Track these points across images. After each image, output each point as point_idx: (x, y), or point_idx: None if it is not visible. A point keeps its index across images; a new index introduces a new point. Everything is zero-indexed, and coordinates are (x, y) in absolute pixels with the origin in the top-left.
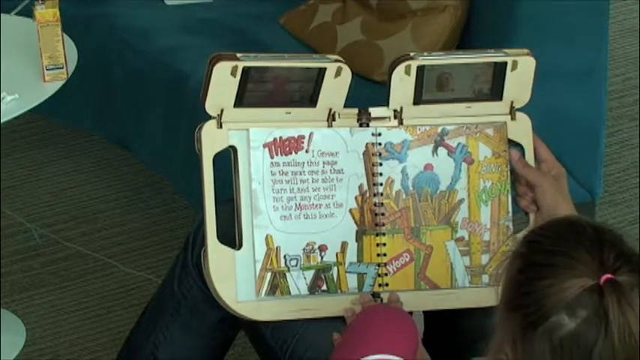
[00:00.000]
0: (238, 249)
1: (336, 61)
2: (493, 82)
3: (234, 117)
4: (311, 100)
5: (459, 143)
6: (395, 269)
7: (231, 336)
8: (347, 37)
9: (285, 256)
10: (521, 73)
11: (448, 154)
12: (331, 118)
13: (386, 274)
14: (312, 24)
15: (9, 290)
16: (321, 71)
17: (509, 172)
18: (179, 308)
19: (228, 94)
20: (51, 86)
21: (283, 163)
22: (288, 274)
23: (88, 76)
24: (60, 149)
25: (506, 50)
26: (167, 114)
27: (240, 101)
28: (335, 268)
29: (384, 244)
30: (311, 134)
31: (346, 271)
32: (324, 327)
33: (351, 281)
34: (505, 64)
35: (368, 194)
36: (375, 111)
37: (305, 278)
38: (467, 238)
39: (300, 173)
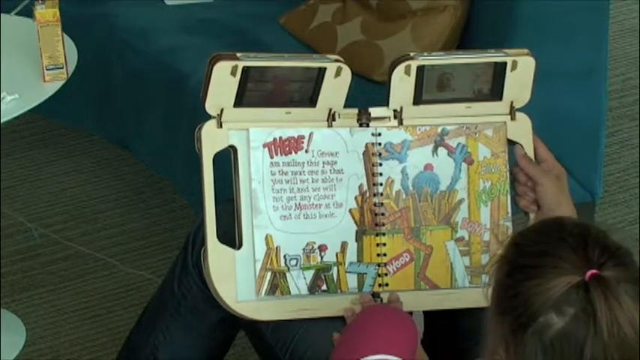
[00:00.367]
0: (238, 249)
1: (336, 61)
2: (493, 82)
3: (234, 117)
4: (311, 100)
5: (458, 143)
6: (395, 269)
7: (232, 336)
8: (347, 37)
9: (285, 256)
10: (521, 73)
11: (448, 154)
12: (331, 118)
13: (386, 274)
14: (312, 24)
15: (9, 290)
16: (321, 71)
17: (508, 173)
18: (179, 308)
19: (228, 94)
20: (51, 86)
21: (283, 163)
22: (288, 274)
23: (88, 76)
24: (60, 149)
25: (506, 50)
26: (167, 114)
27: (240, 101)
28: (335, 268)
29: (384, 244)
30: (311, 134)
31: (346, 271)
32: (324, 327)
33: (351, 281)
34: (505, 64)
35: (368, 194)
36: (375, 111)
37: (305, 278)
38: (467, 238)
39: (300, 173)
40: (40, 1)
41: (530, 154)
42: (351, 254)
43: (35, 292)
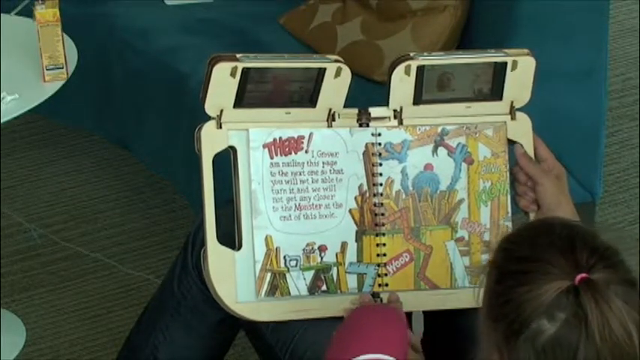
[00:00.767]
0: (238, 249)
1: (336, 61)
2: (493, 82)
3: (234, 117)
4: (311, 101)
5: (458, 143)
6: (395, 269)
7: (232, 336)
8: (347, 37)
9: (284, 257)
10: (522, 73)
11: (448, 154)
12: (331, 118)
13: (386, 274)
14: (312, 24)
15: (9, 290)
16: (321, 71)
17: (508, 173)
18: (179, 308)
19: (227, 95)
20: (51, 86)
21: (283, 163)
22: (287, 275)
23: (88, 76)
24: (60, 149)
25: (506, 50)
26: (167, 114)
27: (239, 102)
28: (335, 269)
29: (384, 244)
30: (311, 134)
31: (346, 272)
32: (324, 327)
33: (351, 281)
34: (505, 64)
35: (368, 194)
36: (374, 111)
37: (305, 279)
38: (467, 238)
39: (300, 174)
40: (40, 1)
41: (531, 153)
42: (351, 254)
43: (35, 292)
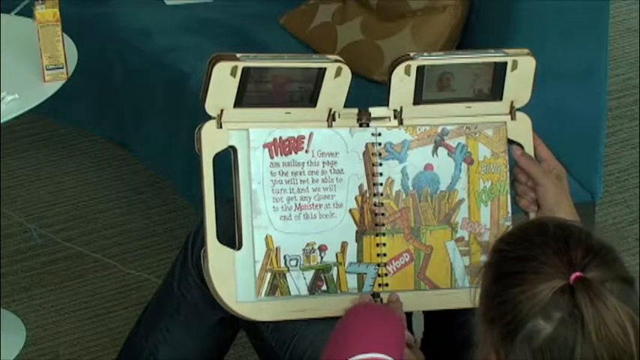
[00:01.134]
0: (238, 249)
1: (336, 61)
2: (493, 82)
3: (234, 117)
4: (311, 100)
5: (458, 143)
6: (395, 269)
7: (231, 336)
8: (347, 37)
9: (284, 257)
10: (522, 73)
11: (448, 154)
12: (331, 118)
13: (386, 274)
14: (312, 24)
15: (9, 290)
16: (321, 71)
17: (508, 173)
18: (179, 308)
19: (227, 95)
20: (51, 86)
21: (283, 163)
22: (287, 275)
23: (88, 76)
24: (60, 149)
25: (506, 50)
26: (167, 114)
27: (240, 101)
28: (335, 269)
29: (384, 244)
30: (311, 134)
31: (346, 271)
32: (324, 327)
33: (351, 281)
34: (505, 64)
35: (368, 194)
36: (375, 111)
37: (305, 278)
38: (467, 238)
39: (300, 173)
40: (40, 1)
41: (531, 153)
42: (351, 254)
43: (35, 292)
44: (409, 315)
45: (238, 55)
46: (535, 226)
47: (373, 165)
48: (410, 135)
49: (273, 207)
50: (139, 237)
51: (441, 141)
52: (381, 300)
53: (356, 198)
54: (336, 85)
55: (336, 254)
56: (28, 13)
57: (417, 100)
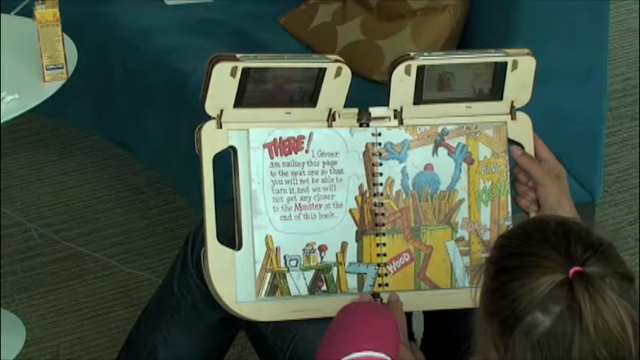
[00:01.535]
0: (238, 249)
1: (336, 61)
2: (493, 82)
3: (234, 117)
4: (311, 100)
5: (459, 143)
6: (395, 269)
7: (231, 336)
8: (347, 37)
9: (284, 257)
10: (522, 72)
11: (448, 154)
12: (331, 118)
13: (386, 274)
14: (312, 24)
15: (9, 290)
16: (321, 71)
17: (508, 173)
18: (179, 308)
19: (227, 95)
20: (51, 86)
21: (283, 163)
22: (287, 275)
23: (88, 76)
24: (60, 149)
25: (506, 50)
26: (167, 114)
27: (239, 101)
28: (335, 269)
29: (384, 244)
30: (311, 134)
31: (346, 272)
32: (324, 327)
33: (351, 281)
34: (505, 64)
35: (368, 194)
36: (375, 111)
37: (305, 279)
38: (467, 238)
39: (300, 173)
40: (40, 1)
41: (531, 153)
42: (351, 254)
43: (35, 292)
44: (409, 315)
45: (238, 55)
46: (535, 223)
47: (373, 165)
48: (410, 135)
49: (273, 207)
50: (139, 237)
51: (441, 141)
52: (381, 300)
53: (356, 198)
54: (336, 85)
55: (336, 254)
56: (28, 13)
57: (417, 100)
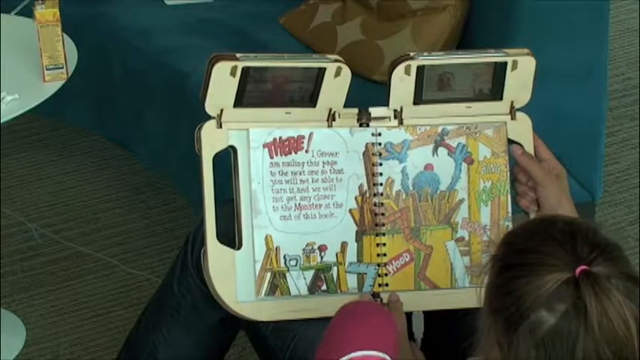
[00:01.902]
0: (238, 249)
1: (336, 61)
2: (493, 82)
3: (234, 117)
4: (311, 100)
5: (459, 143)
6: (395, 269)
7: (231, 336)
8: (347, 37)
9: (284, 256)
10: (522, 72)
11: (448, 154)
12: (331, 118)
13: (386, 274)
14: (312, 24)
15: (9, 290)
16: (321, 71)
17: (508, 173)
18: (179, 308)
19: (227, 94)
20: (51, 86)
21: (283, 163)
22: (287, 274)
23: (88, 76)
24: (60, 149)
25: (506, 50)
26: (167, 114)
27: (239, 101)
28: (335, 268)
29: (384, 244)
30: (311, 134)
31: (346, 271)
32: (324, 327)
33: (351, 281)
34: (505, 64)
35: (368, 194)
36: (375, 111)
37: (305, 278)
38: (467, 238)
39: (300, 173)
40: (40, 1)
41: (531, 153)
42: (351, 254)
43: (35, 292)
44: (409, 315)
45: (238, 55)
46: (542, 221)
47: (373, 165)
48: (410, 135)
49: (273, 207)
50: (139, 237)
51: (441, 141)
52: (381, 300)
53: (356, 198)
54: (336, 85)
55: (336, 254)
56: (28, 13)
57: (417, 100)
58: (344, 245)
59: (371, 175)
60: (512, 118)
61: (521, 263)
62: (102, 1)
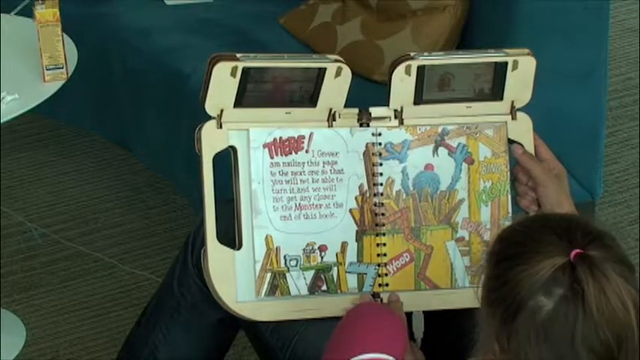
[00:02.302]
0: (238, 249)
1: (336, 61)
2: (494, 81)
3: (234, 117)
4: (311, 100)
5: (459, 143)
6: (395, 269)
7: (231, 336)
8: (347, 37)
9: (284, 257)
10: (522, 72)
11: (448, 154)
12: (331, 118)
13: (386, 274)
14: (312, 24)
15: (9, 290)
16: (321, 71)
17: (508, 173)
18: (179, 308)
19: (228, 95)
20: (51, 86)
21: (283, 163)
22: (287, 275)
23: (88, 76)
24: (60, 149)
25: (506, 50)
26: (167, 114)
27: (240, 101)
28: (335, 268)
29: (384, 244)
30: (311, 134)
31: (346, 271)
32: (325, 327)
33: (351, 281)
34: (506, 63)
35: (368, 194)
36: (375, 111)
37: (305, 278)
38: (467, 238)
39: (300, 173)
40: (40, 1)
41: (531, 153)
42: (351, 254)
43: (35, 292)
44: (409, 315)
45: (238, 55)
46: (538, 216)
47: (373, 165)
48: (410, 135)
49: (273, 207)
50: (139, 237)
51: (441, 141)
52: (381, 300)
53: (356, 198)
54: (336, 85)
55: (336, 254)
56: (28, 13)
57: (418, 100)
58: (344, 245)
59: (371, 175)
60: (512, 118)
61: (516, 253)
62: (102, 1)
